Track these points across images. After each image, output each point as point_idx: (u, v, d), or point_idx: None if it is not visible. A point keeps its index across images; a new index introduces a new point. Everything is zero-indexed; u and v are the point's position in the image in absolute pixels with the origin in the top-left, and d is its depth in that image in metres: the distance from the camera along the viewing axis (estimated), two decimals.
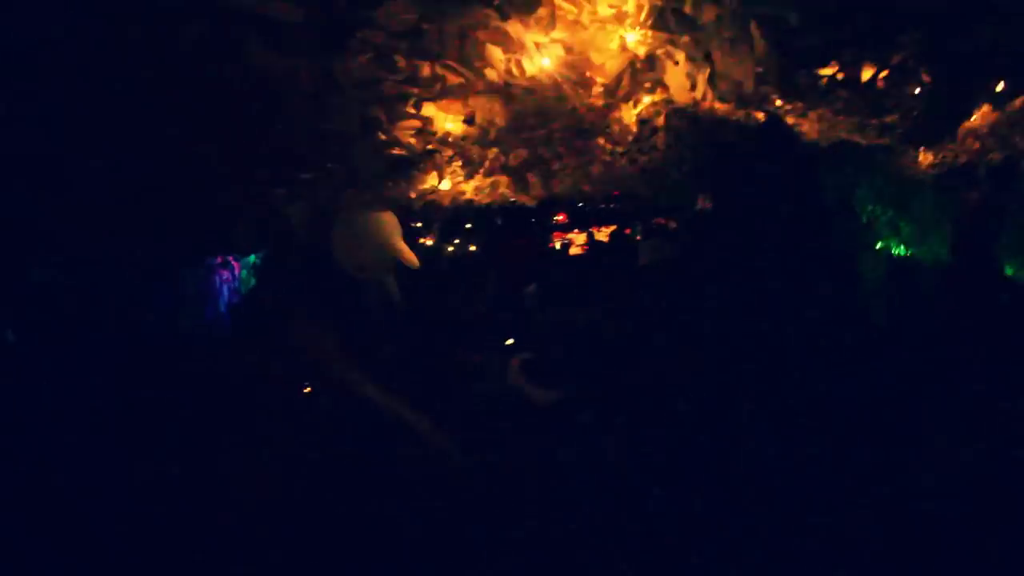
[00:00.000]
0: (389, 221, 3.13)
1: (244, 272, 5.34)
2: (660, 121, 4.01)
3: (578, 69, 2.44)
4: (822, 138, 4.65)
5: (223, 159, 2.42)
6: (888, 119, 4.19)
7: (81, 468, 2.80)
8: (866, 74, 3.40)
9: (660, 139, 4.32)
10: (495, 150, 2.89)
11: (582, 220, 10.05)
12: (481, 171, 3.01)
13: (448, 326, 4.02)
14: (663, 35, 2.42)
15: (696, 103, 3.78)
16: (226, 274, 5.42)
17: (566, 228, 10.36)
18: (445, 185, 2.96)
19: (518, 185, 3.30)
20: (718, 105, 3.89)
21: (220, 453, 2.78)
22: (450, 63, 2.12)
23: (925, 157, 5.11)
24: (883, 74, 3.51)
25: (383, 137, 2.38)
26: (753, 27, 2.44)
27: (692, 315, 4.39)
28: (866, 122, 4.21)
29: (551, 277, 5.45)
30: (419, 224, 6.64)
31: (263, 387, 2.91)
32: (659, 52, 2.45)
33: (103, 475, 2.78)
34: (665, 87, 3.05)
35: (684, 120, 4.31)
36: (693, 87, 3.01)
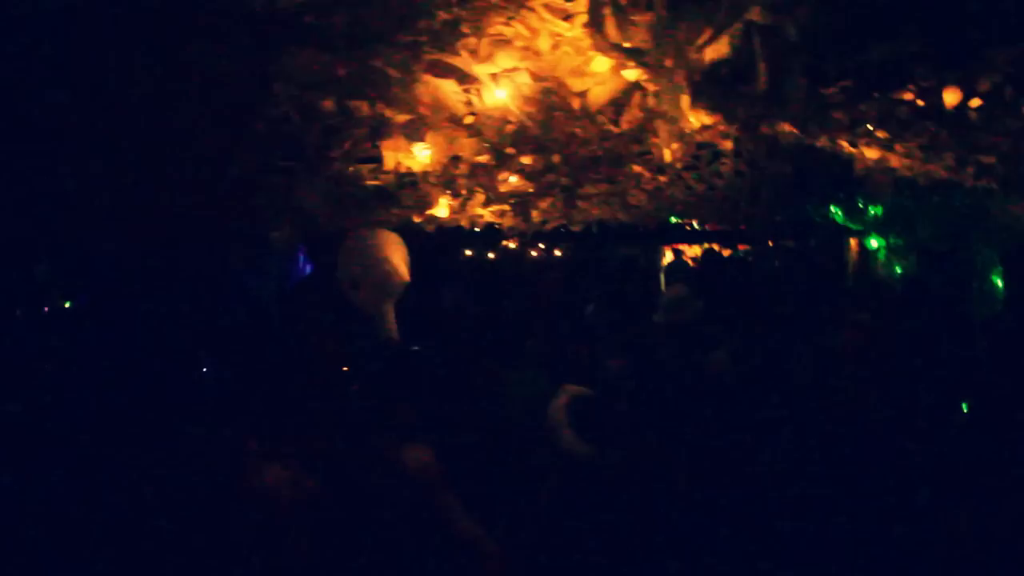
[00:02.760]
0: (390, 240, 3.09)
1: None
2: (728, 145, 3.73)
3: (556, 96, 2.24)
4: (919, 176, 4.16)
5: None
6: (984, 159, 3.68)
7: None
8: (950, 99, 2.92)
9: (728, 165, 4.03)
10: (492, 180, 2.75)
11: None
12: (477, 197, 2.89)
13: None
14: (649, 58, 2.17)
15: (773, 128, 3.50)
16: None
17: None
18: (441, 212, 2.87)
19: (520, 213, 3.14)
20: (788, 129, 3.56)
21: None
22: (392, 101, 2.02)
23: None
24: (974, 103, 3.06)
25: (349, 171, 2.34)
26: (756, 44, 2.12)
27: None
28: (963, 160, 3.73)
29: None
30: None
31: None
32: (646, 77, 2.19)
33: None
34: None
35: (760, 144, 4.01)
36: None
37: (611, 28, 1.70)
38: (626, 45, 1.94)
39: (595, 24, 1.68)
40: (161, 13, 1.61)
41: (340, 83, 1.96)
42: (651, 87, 2.32)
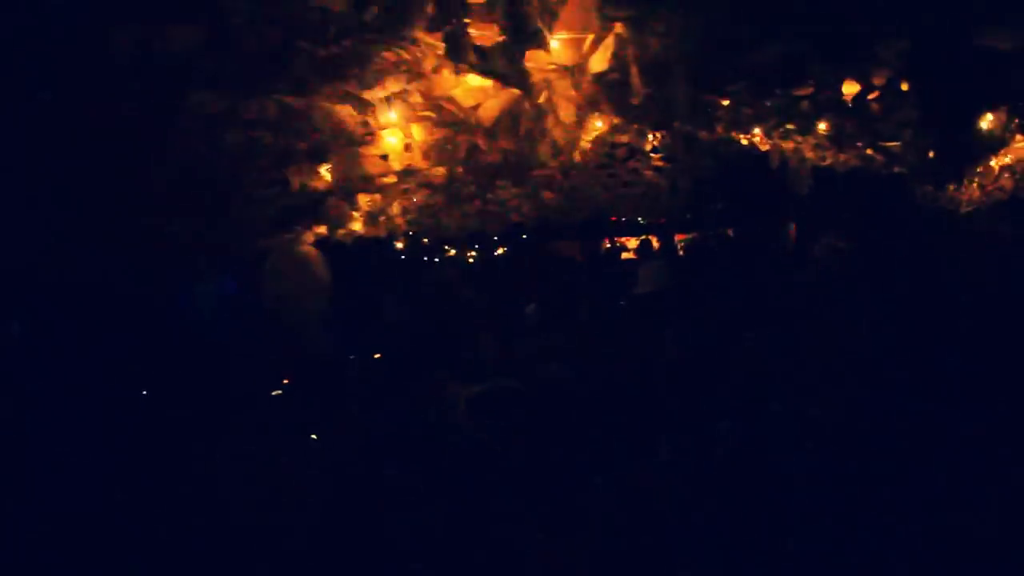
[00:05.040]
0: (310, 254, 3.20)
1: None
2: (646, 144, 3.95)
3: (448, 113, 2.40)
4: (835, 165, 4.47)
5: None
6: (891, 146, 3.98)
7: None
8: (848, 91, 3.17)
9: (644, 163, 4.27)
10: (401, 192, 2.91)
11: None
12: (392, 209, 3.04)
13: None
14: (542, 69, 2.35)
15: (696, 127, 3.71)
16: None
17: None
18: (356, 226, 3.01)
19: (433, 222, 3.31)
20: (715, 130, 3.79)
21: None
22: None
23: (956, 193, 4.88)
24: (872, 95, 3.31)
25: (262, 193, 2.47)
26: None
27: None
28: (873, 149, 4.04)
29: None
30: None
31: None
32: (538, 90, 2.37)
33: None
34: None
35: (678, 141, 4.24)
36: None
37: (469, 55, 1.88)
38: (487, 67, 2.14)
39: (454, 54, 1.86)
40: (75, 63, 1.72)
41: (243, 118, 2.10)
42: (540, 99, 2.50)
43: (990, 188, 5.13)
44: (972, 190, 5.13)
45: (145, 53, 1.71)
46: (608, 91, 2.34)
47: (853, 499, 3.29)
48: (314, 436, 3.50)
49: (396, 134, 2.44)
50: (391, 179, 2.61)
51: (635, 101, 2.14)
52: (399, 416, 3.39)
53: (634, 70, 2.15)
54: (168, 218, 2.51)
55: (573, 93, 2.32)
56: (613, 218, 5.61)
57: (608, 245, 10.36)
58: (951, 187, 5.03)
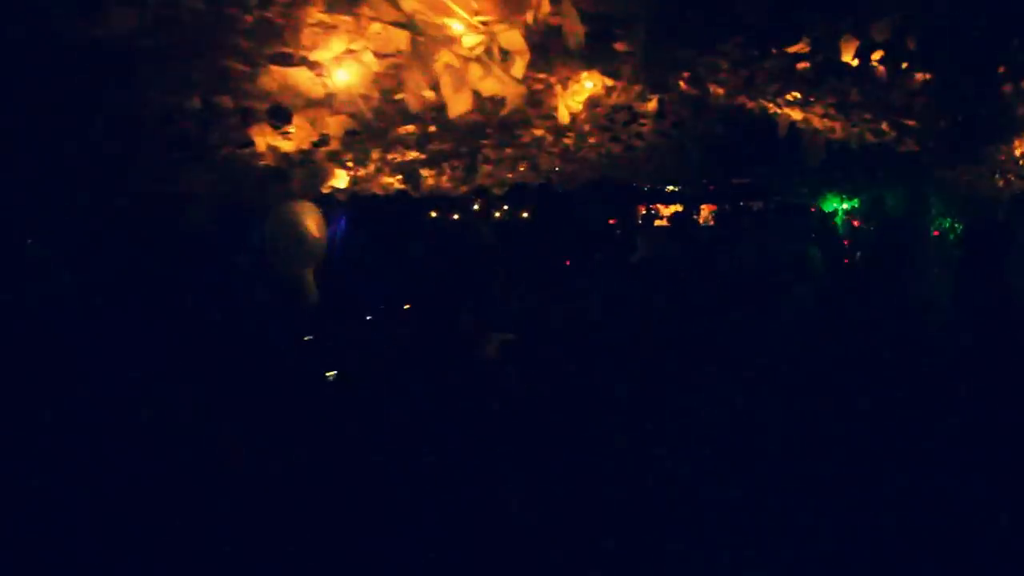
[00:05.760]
0: (304, 209, 3.44)
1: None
2: (649, 106, 3.90)
3: (400, 75, 2.51)
4: (851, 139, 4.27)
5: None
6: (907, 122, 3.74)
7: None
8: (847, 50, 2.98)
9: (647, 127, 4.21)
10: (378, 151, 3.06)
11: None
12: (370, 168, 3.19)
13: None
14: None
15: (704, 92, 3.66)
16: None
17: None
18: (340, 184, 3.19)
19: (410, 180, 3.44)
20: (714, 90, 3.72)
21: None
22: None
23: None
24: (876, 55, 3.10)
25: (237, 154, 2.67)
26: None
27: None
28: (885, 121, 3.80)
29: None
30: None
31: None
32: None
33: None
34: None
35: (686, 107, 4.16)
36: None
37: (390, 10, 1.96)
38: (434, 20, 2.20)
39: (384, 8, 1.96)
40: (27, 44, 1.95)
41: (200, 83, 2.29)
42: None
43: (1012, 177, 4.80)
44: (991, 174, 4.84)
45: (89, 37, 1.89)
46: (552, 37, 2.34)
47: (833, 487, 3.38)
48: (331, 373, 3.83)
49: (358, 93, 2.57)
50: (358, 139, 2.77)
51: (572, 44, 2.15)
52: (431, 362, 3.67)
53: (571, 10, 2.16)
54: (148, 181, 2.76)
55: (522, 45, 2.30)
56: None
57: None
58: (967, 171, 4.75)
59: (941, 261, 5.55)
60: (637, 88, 3.59)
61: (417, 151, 3.17)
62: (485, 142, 3.37)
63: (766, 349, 4.12)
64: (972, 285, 4.05)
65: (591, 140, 3.96)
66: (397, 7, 2.01)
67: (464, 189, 3.91)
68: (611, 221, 9.07)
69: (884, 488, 3.12)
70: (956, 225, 5.83)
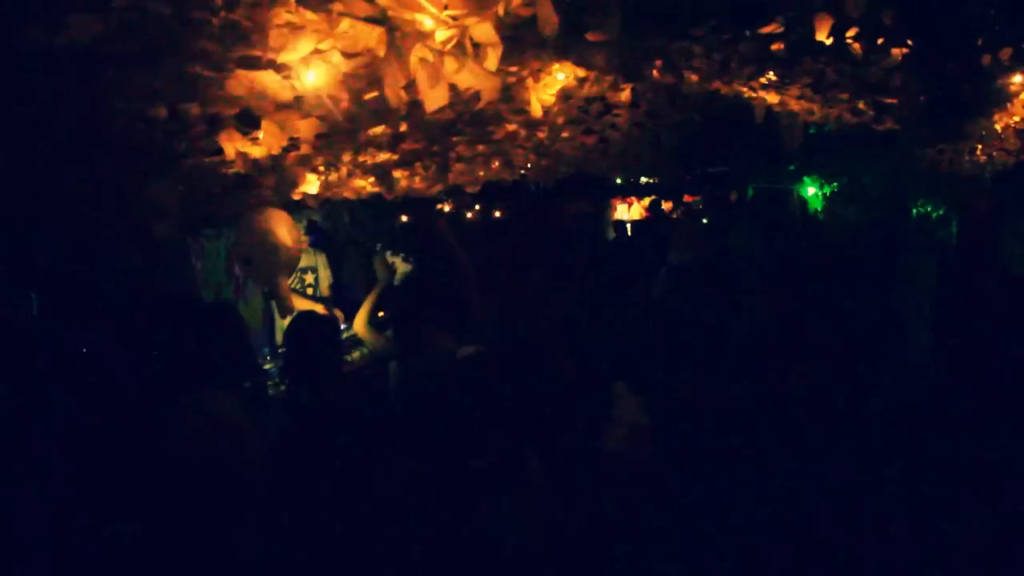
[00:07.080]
0: (276, 216, 3.40)
1: None
2: (622, 97, 3.88)
3: (372, 73, 2.48)
4: (831, 122, 4.26)
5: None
6: (886, 100, 3.75)
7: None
8: (822, 28, 2.96)
9: (622, 118, 4.20)
10: (349, 154, 3.02)
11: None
12: (342, 171, 3.16)
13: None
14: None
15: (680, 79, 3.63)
16: None
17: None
18: (311, 189, 3.15)
19: (383, 182, 3.41)
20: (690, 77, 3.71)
21: None
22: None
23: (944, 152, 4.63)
24: (851, 32, 3.08)
25: (204, 162, 2.62)
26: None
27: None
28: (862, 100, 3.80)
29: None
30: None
31: None
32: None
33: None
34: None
35: (660, 94, 4.14)
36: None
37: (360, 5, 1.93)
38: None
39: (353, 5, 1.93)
40: None
41: (166, 91, 2.23)
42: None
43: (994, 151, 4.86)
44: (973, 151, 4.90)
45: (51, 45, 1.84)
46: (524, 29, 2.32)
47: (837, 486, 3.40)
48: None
49: (326, 95, 2.54)
50: (329, 142, 2.74)
51: (547, 32, 2.13)
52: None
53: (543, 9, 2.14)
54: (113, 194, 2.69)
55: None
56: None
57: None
58: (949, 147, 4.82)
59: (924, 245, 5.63)
60: (610, 78, 3.59)
61: (389, 152, 3.13)
62: (456, 139, 3.34)
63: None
64: (966, 266, 4.07)
65: (565, 134, 3.96)
66: (369, 0, 1.98)
67: (438, 188, 3.87)
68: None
69: (884, 488, 3.16)
70: (939, 207, 5.91)
